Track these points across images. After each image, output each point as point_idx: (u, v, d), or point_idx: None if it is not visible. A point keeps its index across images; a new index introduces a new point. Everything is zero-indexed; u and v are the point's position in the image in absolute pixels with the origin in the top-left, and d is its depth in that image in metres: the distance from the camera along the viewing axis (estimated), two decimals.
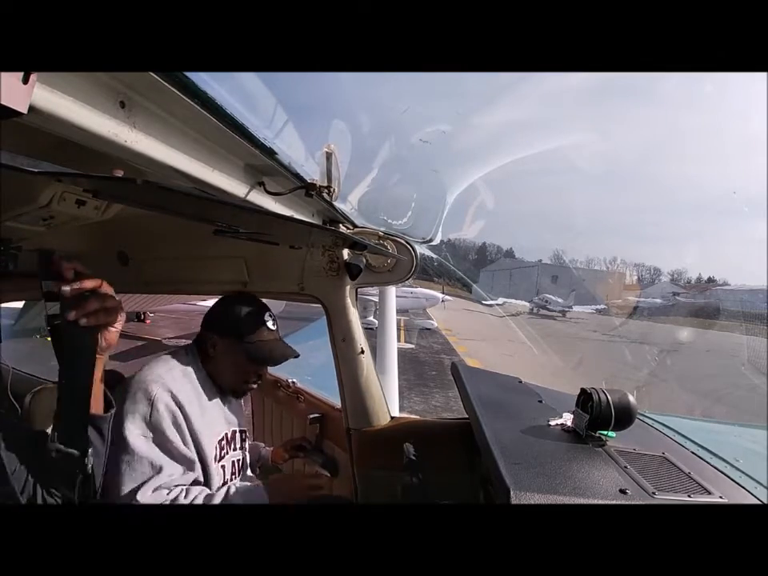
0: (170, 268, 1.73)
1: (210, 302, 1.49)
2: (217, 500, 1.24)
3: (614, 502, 0.81)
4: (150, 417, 1.20)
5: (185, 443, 1.24)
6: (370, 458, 1.66)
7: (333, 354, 1.67)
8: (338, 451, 1.80)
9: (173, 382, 1.27)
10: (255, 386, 1.46)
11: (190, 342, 1.46)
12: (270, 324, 1.41)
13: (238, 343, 1.37)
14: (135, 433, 1.18)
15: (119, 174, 0.60)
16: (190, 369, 1.36)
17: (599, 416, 1.03)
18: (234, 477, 1.43)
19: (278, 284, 1.66)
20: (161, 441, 1.20)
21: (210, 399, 1.37)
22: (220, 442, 1.37)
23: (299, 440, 1.80)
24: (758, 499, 0.91)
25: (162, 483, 1.18)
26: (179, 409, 1.24)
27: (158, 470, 1.18)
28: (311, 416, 1.89)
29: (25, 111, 0.40)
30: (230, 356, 1.38)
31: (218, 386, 1.41)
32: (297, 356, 1.43)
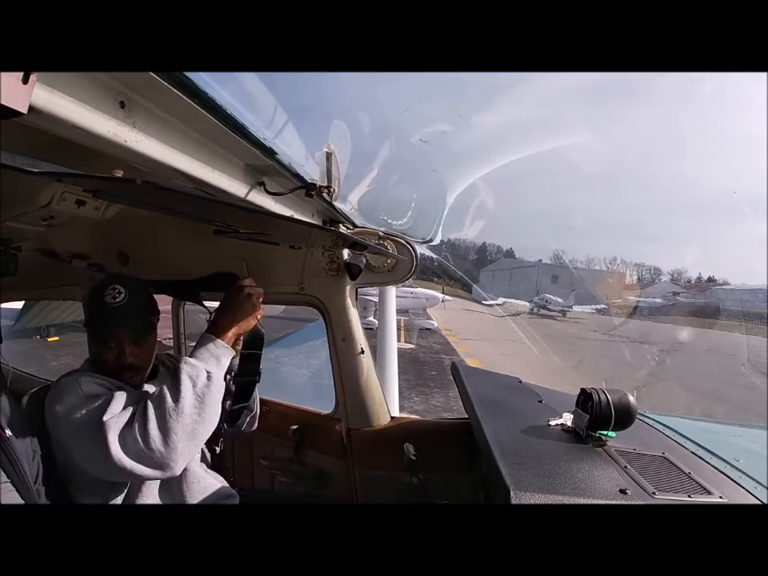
0: (170, 268, 1.73)
1: (210, 303, 1.47)
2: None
3: (613, 502, 0.81)
4: None
5: None
6: (370, 457, 1.66)
7: (331, 355, 1.66)
8: (326, 459, 1.72)
9: None
10: None
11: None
12: None
13: None
14: None
15: (119, 174, 0.60)
16: None
17: (599, 416, 1.03)
18: None
19: (278, 284, 1.65)
20: None
21: None
22: None
23: None
24: (758, 499, 0.90)
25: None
26: None
27: None
28: (293, 427, 1.75)
29: (25, 111, 0.40)
30: None
31: None
32: None
